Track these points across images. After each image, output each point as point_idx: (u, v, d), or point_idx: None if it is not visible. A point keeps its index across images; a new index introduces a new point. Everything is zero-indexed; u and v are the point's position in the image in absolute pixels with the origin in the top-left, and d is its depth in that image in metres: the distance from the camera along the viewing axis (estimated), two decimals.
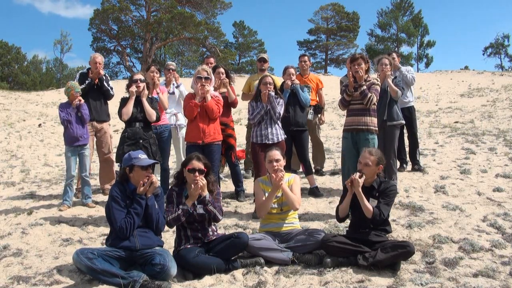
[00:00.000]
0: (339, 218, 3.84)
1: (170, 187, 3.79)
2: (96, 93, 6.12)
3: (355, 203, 3.66)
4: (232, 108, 5.92)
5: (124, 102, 5.06)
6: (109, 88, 6.19)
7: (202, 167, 3.65)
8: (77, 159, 5.51)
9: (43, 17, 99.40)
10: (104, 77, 6.15)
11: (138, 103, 5.05)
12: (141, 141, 4.89)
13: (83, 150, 5.48)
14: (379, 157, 3.73)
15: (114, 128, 13.82)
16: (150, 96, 5.21)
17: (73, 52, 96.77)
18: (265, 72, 6.70)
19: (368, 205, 3.57)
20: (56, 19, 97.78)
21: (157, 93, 5.55)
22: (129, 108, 4.93)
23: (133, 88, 5.02)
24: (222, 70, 5.74)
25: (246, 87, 6.70)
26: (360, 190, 3.60)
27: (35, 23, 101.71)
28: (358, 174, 3.65)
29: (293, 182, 3.97)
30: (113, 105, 6.63)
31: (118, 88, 7.02)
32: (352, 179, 3.64)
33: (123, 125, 5.22)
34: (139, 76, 5.19)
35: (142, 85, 5.08)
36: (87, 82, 6.01)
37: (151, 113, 5.00)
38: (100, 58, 6.21)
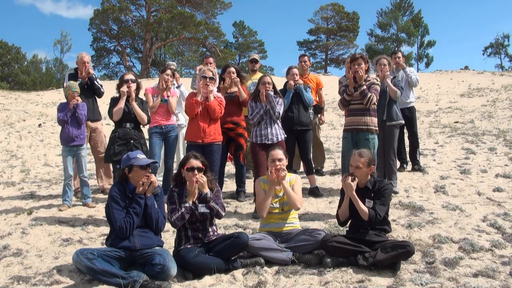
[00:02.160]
0: (340, 222, 3.84)
1: (170, 188, 3.79)
2: (88, 92, 6.10)
3: (353, 205, 3.66)
4: (243, 108, 5.89)
5: (114, 102, 5.05)
6: (99, 85, 6.18)
7: (200, 165, 3.67)
8: (74, 159, 5.50)
9: (45, 18, 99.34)
10: (93, 76, 6.14)
11: (130, 103, 5.05)
12: (132, 141, 4.89)
13: (80, 150, 5.46)
14: (370, 158, 3.72)
15: None
16: (139, 97, 5.23)
17: (75, 52, 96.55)
18: (257, 73, 6.72)
19: (364, 208, 3.56)
20: (57, 19, 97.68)
21: (167, 96, 5.54)
22: (120, 108, 4.93)
23: (124, 88, 5.02)
24: (233, 69, 5.66)
25: None
26: (354, 193, 3.60)
27: (36, 23, 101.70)
28: (350, 177, 3.64)
29: (294, 182, 3.97)
30: (103, 104, 6.61)
31: None
32: (344, 183, 3.64)
33: None
34: (130, 76, 5.19)
35: (133, 85, 5.08)
36: (77, 82, 5.99)
37: (142, 116, 5.01)
38: (87, 57, 6.18)
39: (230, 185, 6.32)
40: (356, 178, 3.65)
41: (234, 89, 5.64)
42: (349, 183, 3.60)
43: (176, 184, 3.75)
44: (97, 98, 6.32)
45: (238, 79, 5.64)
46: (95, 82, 6.11)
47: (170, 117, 5.66)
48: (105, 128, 7.09)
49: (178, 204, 3.60)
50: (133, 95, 5.05)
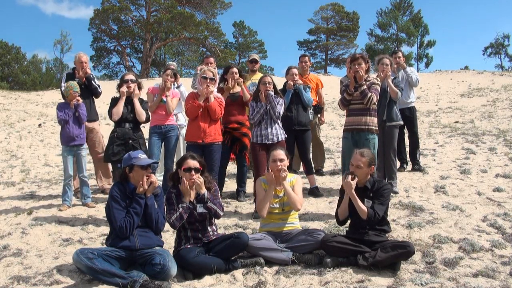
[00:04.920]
0: (339, 221, 3.85)
1: (168, 189, 3.78)
2: (85, 92, 6.04)
3: (353, 204, 3.66)
4: (246, 107, 5.87)
5: (114, 102, 5.07)
6: (97, 86, 6.16)
7: (198, 165, 3.66)
8: (74, 159, 5.50)
9: (47, 18, 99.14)
10: (91, 76, 6.12)
11: (129, 103, 5.06)
12: (130, 141, 4.90)
13: (80, 150, 5.46)
14: (371, 158, 3.73)
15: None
16: (140, 97, 5.24)
17: (75, 52, 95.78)
18: (257, 73, 6.72)
19: (363, 207, 3.57)
20: (59, 20, 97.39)
21: (166, 96, 5.54)
22: (120, 108, 4.96)
23: (124, 88, 5.03)
24: (235, 70, 5.66)
25: None
26: (353, 192, 3.60)
27: (38, 24, 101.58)
28: (350, 176, 3.65)
29: (295, 183, 3.97)
30: (103, 104, 6.56)
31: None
32: (344, 181, 3.64)
33: None
34: (130, 77, 5.21)
35: (132, 85, 5.10)
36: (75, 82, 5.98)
37: (141, 113, 5.04)
38: (85, 57, 6.15)
39: (230, 185, 6.32)
40: (356, 177, 3.65)
41: (237, 89, 5.65)
42: (348, 182, 3.60)
43: (173, 185, 3.75)
44: (94, 99, 6.28)
45: (241, 79, 5.66)
46: (92, 82, 6.09)
47: (170, 117, 5.66)
48: (106, 128, 7.08)
49: (176, 205, 3.60)
50: (137, 90, 5.10)
